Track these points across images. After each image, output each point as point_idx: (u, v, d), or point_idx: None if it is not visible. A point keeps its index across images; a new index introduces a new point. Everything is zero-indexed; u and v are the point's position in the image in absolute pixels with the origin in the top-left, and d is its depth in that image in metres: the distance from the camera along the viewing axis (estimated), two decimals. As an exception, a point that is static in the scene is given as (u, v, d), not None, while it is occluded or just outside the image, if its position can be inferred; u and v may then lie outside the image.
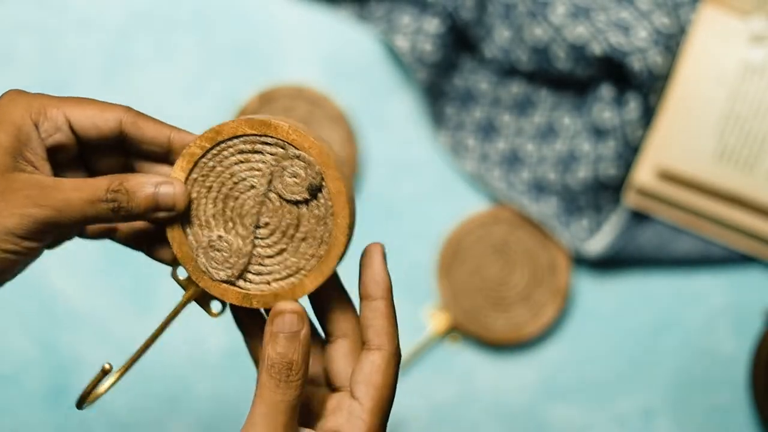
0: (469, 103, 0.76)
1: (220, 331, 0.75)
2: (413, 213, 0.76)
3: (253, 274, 0.49)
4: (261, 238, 0.49)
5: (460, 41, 0.74)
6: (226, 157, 0.49)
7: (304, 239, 0.48)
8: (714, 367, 0.74)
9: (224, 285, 0.49)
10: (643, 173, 0.71)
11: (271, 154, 0.49)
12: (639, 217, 0.74)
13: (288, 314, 0.44)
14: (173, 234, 0.49)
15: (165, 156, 0.48)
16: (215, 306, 0.51)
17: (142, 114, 0.46)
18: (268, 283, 0.49)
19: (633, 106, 0.70)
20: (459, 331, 0.75)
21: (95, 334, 0.75)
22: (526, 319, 0.73)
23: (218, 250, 0.49)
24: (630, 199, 0.72)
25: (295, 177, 0.48)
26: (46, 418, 0.75)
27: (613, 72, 0.71)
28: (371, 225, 0.76)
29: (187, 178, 0.48)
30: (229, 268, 0.49)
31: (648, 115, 0.70)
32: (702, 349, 0.75)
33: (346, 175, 0.49)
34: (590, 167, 0.72)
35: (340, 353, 0.47)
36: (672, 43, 0.70)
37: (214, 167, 0.49)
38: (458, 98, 0.75)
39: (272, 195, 0.49)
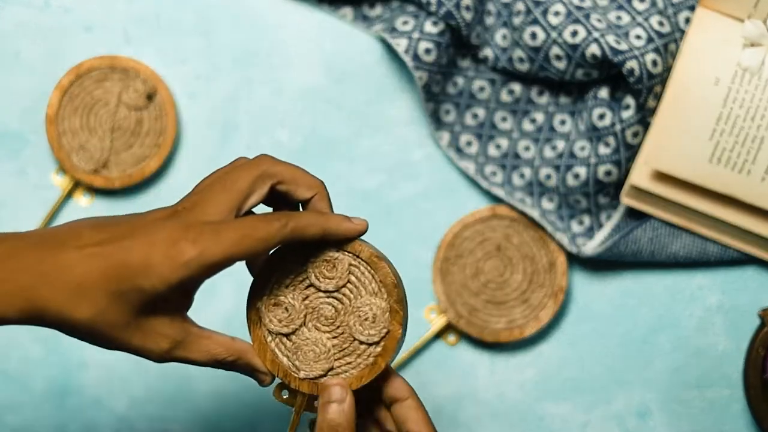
0: (469, 102, 0.76)
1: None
2: (413, 213, 0.76)
3: None
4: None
5: (460, 41, 0.74)
6: (87, 86, 0.73)
7: None
8: (709, 366, 0.75)
9: None
10: (640, 174, 0.71)
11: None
12: (636, 217, 0.74)
13: (334, 387, 0.52)
14: None
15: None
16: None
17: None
18: None
19: (630, 108, 0.70)
20: (458, 331, 0.75)
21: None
22: (525, 319, 0.74)
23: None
24: (627, 200, 0.73)
25: (136, 91, 0.74)
26: (50, 416, 0.75)
27: (610, 73, 0.71)
28: (371, 225, 0.76)
29: (58, 106, 0.74)
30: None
31: (645, 116, 0.70)
32: (697, 348, 0.75)
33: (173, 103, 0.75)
34: (589, 168, 0.72)
35: (411, 408, 0.52)
36: (668, 45, 0.70)
37: (78, 93, 0.73)
38: (458, 98, 0.76)
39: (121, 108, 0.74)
